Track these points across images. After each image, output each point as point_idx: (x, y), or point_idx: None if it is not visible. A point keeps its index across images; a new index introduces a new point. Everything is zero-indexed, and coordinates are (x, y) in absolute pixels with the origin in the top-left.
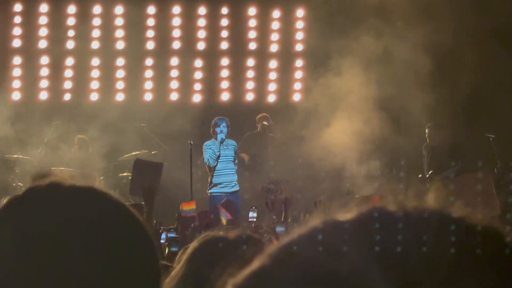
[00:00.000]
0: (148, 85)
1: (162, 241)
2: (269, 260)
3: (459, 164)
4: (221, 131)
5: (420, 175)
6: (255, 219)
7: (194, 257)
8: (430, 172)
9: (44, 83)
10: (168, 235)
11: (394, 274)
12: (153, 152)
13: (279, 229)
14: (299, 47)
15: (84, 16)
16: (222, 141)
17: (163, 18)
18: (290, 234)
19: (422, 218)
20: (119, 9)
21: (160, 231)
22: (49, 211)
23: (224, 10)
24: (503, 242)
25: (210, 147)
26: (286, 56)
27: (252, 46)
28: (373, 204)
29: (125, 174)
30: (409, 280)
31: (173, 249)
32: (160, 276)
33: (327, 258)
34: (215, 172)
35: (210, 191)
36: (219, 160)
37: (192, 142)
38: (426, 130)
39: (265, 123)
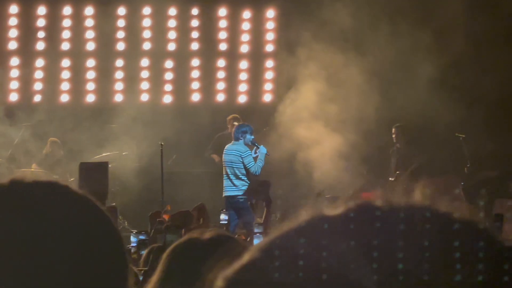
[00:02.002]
0: (119, 86)
1: (133, 244)
2: (258, 254)
3: (418, 164)
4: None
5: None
6: (226, 221)
7: (170, 260)
8: (396, 173)
9: (14, 85)
10: (140, 237)
11: (382, 265)
12: (123, 153)
13: (256, 230)
14: (269, 48)
15: (54, 17)
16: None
17: (133, 19)
18: (279, 228)
19: (407, 211)
20: (89, 10)
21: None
22: (12, 208)
23: (195, 11)
24: (486, 235)
25: (250, 154)
26: (257, 56)
27: (223, 47)
28: (361, 200)
29: None
30: (396, 271)
31: (142, 252)
32: (128, 266)
33: (315, 251)
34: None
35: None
36: (228, 166)
37: (162, 144)
38: (393, 130)
39: (235, 123)
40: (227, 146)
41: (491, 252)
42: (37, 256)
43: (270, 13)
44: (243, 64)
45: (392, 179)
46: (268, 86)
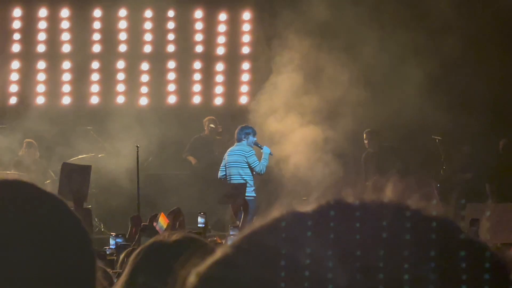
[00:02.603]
0: (95, 88)
1: (112, 246)
2: (231, 249)
3: (397, 168)
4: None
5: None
6: (203, 225)
7: (137, 262)
8: (374, 178)
9: None
10: (116, 240)
11: (351, 261)
12: (99, 155)
13: (232, 232)
14: (245, 50)
15: (30, 19)
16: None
17: (109, 21)
18: (252, 225)
19: (379, 208)
20: (65, 12)
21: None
22: None
23: (171, 13)
24: (457, 232)
25: (254, 153)
26: (233, 58)
27: (199, 49)
28: (334, 197)
29: None
30: (366, 267)
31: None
32: (95, 267)
33: (288, 246)
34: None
35: None
36: (232, 166)
37: (138, 146)
38: (364, 136)
39: (212, 126)
40: (230, 148)
41: (470, 250)
42: (1, 254)
43: (246, 15)
44: (219, 66)
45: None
46: (244, 88)
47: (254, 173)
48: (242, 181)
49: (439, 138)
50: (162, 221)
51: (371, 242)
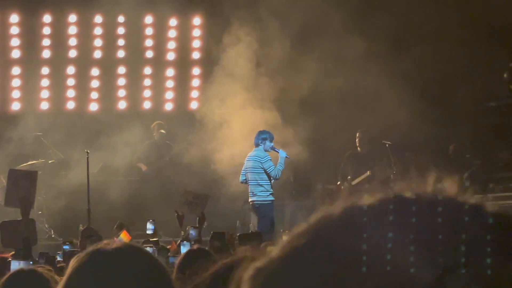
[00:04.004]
0: (45, 94)
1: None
2: (293, 245)
3: (373, 172)
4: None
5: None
6: (152, 231)
7: (74, 270)
8: (348, 178)
9: None
10: (64, 247)
11: (434, 256)
12: (50, 161)
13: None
14: (196, 55)
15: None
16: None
17: (59, 26)
18: (312, 221)
19: (457, 206)
20: (14, 18)
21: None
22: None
23: (121, 19)
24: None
25: (270, 159)
26: (183, 64)
27: (149, 54)
28: (394, 191)
29: None
30: (452, 265)
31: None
32: None
33: (355, 240)
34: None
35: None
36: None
37: (88, 151)
38: (358, 135)
39: (162, 131)
40: (248, 154)
41: None
42: None
43: (196, 20)
44: (170, 72)
45: (342, 184)
46: (194, 94)
47: (271, 178)
48: (259, 187)
49: (389, 143)
50: (125, 238)
51: (451, 237)
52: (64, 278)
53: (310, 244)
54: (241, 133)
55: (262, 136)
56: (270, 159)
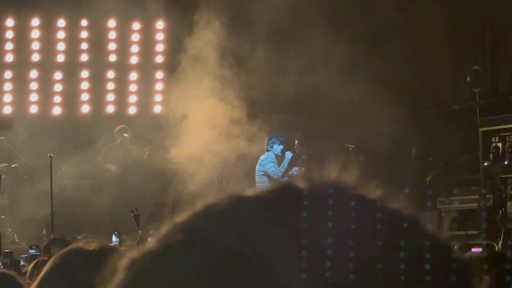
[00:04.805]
0: (7, 98)
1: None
2: (169, 239)
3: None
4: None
5: None
6: (118, 244)
7: (51, 269)
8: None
9: None
10: (30, 251)
11: (312, 255)
12: (13, 166)
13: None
14: (159, 59)
15: None
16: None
17: (21, 30)
18: (193, 210)
19: (337, 193)
20: None
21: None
22: None
23: (84, 22)
24: (423, 231)
25: (272, 161)
26: (147, 68)
27: (112, 58)
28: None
29: None
30: (333, 280)
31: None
32: None
33: (232, 239)
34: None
35: None
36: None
37: (52, 155)
38: (296, 142)
39: (125, 135)
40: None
41: (435, 250)
42: None
43: (160, 24)
44: (133, 76)
45: None
46: (158, 97)
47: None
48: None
49: (353, 146)
50: None
51: (331, 234)
52: (40, 276)
53: (185, 241)
54: (205, 133)
55: (271, 141)
56: (272, 161)
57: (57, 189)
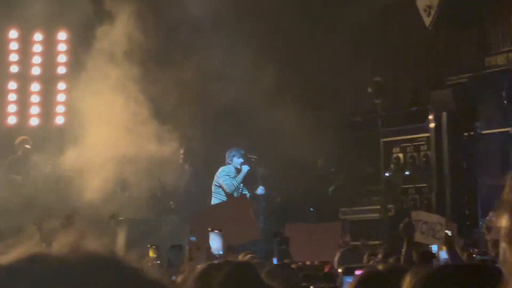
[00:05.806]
0: None
1: None
2: None
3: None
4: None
5: None
6: None
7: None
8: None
9: None
10: None
11: None
12: None
13: None
14: (61, 70)
15: None
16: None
17: None
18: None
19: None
20: None
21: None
22: None
23: None
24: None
25: (228, 174)
26: (49, 79)
27: (14, 69)
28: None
29: None
30: None
31: None
32: None
33: None
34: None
35: None
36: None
37: None
38: (181, 151)
39: (27, 146)
40: None
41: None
42: None
43: (62, 35)
44: (35, 87)
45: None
46: (60, 109)
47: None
48: (215, 199)
49: (255, 157)
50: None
51: None
52: None
53: None
54: (110, 142)
55: (231, 154)
56: (227, 174)
57: None
